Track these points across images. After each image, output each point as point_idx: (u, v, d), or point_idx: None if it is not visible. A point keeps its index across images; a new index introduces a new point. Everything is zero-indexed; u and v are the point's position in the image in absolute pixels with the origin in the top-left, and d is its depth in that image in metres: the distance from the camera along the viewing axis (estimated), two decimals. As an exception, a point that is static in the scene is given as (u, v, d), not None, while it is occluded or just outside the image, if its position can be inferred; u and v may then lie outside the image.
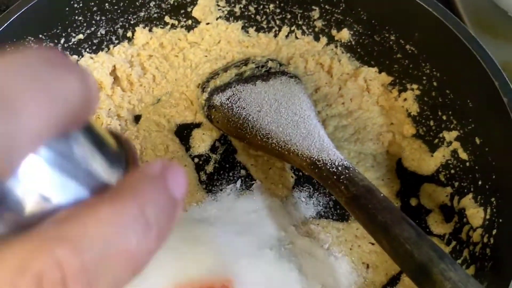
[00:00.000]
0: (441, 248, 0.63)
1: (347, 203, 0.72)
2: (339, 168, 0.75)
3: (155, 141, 0.94)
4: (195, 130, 0.98)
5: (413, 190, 0.91)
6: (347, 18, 0.98)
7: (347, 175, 0.73)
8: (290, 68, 0.97)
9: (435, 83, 0.89)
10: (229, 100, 0.91)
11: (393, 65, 0.96)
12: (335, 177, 0.74)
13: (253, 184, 0.91)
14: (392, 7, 0.90)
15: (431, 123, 0.91)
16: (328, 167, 0.75)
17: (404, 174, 0.92)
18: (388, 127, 0.96)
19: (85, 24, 0.94)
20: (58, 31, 0.90)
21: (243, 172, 0.92)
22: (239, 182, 0.91)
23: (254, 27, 1.05)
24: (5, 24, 0.81)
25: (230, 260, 0.79)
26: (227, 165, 0.94)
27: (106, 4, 0.94)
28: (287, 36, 1.04)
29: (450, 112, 0.87)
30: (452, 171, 0.87)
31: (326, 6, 0.97)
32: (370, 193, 0.70)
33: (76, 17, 0.92)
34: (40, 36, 0.88)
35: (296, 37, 1.04)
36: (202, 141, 0.96)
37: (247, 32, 1.05)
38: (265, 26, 1.04)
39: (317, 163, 0.77)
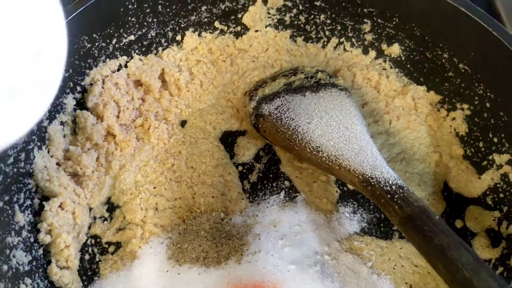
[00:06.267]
0: (501, 278, 0.62)
1: (401, 223, 0.70)
2: (393, 187, 0.74)
3: (201, 147, 0.94)
4: (240, 138, 0.97)
5: (459, 212, 0.89)
6: (399, 33, 0.96)
7: (401, 195, 0.72)
8: (340, 81, 0.96)
9: (488, 104, 0.87)
10: (278, 110, 0.90)
11: (443, 83, 0.95)
12: (388, 196, 0.73)
13: (296, 196, 0.90)
14: (448, 25, 0.88)
15: (480, 144, 0.90)
16: (382, 185, 0.74)
17: (450, 195, 0.91)
18: (435, 147, 0.94)
19: (137, 26, 0.94)
20: (111, 31, 0.91)
21: (287, 183, 0.92)
22: (282, 193, 0.90)
23: (303, 37, 1.04)
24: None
25: (278, 269, 0.79)
26: (271, 175, 0.93)
27: (159, 6, 0.94)
28: (335, 48, 1.03)
29: (502, 135, 0.85)
30: (501, 195, 0.85)
31: (379, 20, 0.96)
32: (426, 214, 0.69)
33: (130, 18, 0.92)
34: (94, 35, 0.88)
35: (345, 49, 1.03)
36: (246, 149, 0.95)
37: (295, 41, 1.04)
38: (313, 36, 1.04)
39: (370, 180, 0.76)
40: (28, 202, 0.78)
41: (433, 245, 0.65)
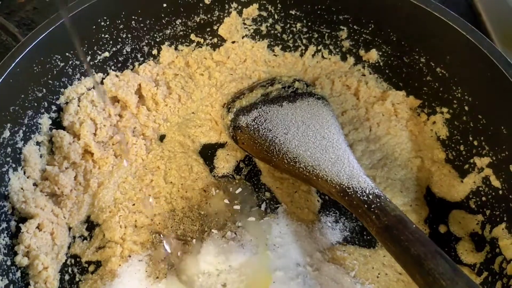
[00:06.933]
0: (478, 285, 0.61)
1: (378, 233, 0.70)
2: (370, 196, 0.73)
3: (180, 162, 0.93)
4: (219, 150, 0.96)
5: (442, 216, 0.88)
6: (376, 39, 0.96)
7: (378, 204, 0.71)
8: (317, 89, 0.96)
9: (466, 107, 0.86)
10: (255, 121, 0.89)
11: (422, 87, 0.94)
12: (365, 205, 0.72)
13: (278, 207, 0.89)
14: (423, 30, 0.88)
15: (461, 148, 0.89)
16: (359, 195, 0.73)
17: (433, 200, 0.90)
18: (417, 152, 0.94)
19: (111, 42, 0.93)
20: (84, 49, 0.90)
21: (268, 194, 0.91)
22: (263, 205, 0.89)
23: (280, 46, 1.03)
24: (34, 43, 0.80)
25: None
26: (252, 187, 0.92)
27: (133, 21, 0.94)
28: (313, 56, 1.03)
29: (482, 138, 0.85)
30: (484, 199, 0.85)
31: (355, 26, 0.96)
32: (402, 223, 0.68)
33: (103, 35, 0.91)
34: (67, 54, 0.87)
35: (323, 57, 1.03)
36: (226, 161, 0.94)
37: (273, 50, 1.04)
38: (291, 45, 1.03)
39: (347, 190, 0.75)
40: (4, 224, 0.77)
41: (410, 255, 0.64)
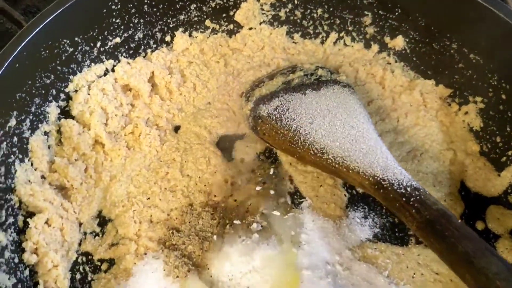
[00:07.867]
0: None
1: (420, 228, 0.64)
2: (408, 189, 0.67)
3: (197, 154, 0.87)
4: (238, 142, 0.91)
5: (479, 212, 0.83)
6: (403, 24, 0.90)
7: (417, 197, 0.66)
8: (342, 77, 0.90)
9: (503, 96, 0.81)
10: (277, 110, 0.83)
11: (453, 76, 0.88)
12: (404, 199, 0.66)
13: (302, 202, 0.83)
14: (455, 13, 0.82)
15: (498, 139, 0.83)
16: (395, 187, 0.68)
17: (468, 195, 0.85)
18: (448, 144, 0.88)
19: (122, 27, 0.88)
20: (94, 34, 0.84)
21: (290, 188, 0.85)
22: (288, 199, 0.83)
23: (300, 33, 0.98)
24: (40, 26, 0.75)
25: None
26: (274, 181, 0.86)
27: (145, 6, 0.88)
28: (335, 43, 0.97)
29: (521, 128, 0.79)
30: (524, 193, 0.79)
31: (380, 12, 0.90)
32: (446, 218, 0.63)
33: (114, 20, 0.86)
34: (76, 39, 0.82)
35: (345, 44, 0.97)
36: (245, 154, 0.89)
37: (292, 37, 0.98)
38: (311, 32, 0.98)
39: (382, 182, 0.69)
40: (11, 219, 0.72)
41: (457, 253, 0.59)
